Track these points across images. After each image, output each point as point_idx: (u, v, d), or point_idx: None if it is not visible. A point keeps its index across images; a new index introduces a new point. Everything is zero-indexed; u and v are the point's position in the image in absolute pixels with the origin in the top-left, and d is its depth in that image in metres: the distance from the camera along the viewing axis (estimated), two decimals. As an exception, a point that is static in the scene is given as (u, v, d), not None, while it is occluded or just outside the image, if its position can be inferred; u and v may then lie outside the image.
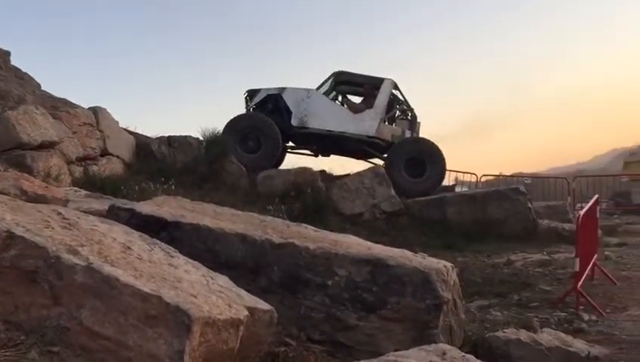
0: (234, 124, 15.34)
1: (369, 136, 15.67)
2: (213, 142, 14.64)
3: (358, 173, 14.73)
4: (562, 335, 5.56)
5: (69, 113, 12.04)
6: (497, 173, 23.77)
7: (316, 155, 16.89)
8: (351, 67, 17.46)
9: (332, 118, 15.64)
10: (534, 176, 24.59)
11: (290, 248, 4.98)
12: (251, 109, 16.15)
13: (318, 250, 4.96)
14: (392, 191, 14.32)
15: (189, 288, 3.60)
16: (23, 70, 12.92)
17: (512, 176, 24.12)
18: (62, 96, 13.08)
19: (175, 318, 3.17)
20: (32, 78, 12.92)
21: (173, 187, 11.60)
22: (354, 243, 5.44)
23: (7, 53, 12.72)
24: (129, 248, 4.00)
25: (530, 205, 13.91)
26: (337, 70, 16.48)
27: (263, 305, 4.01)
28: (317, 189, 13.94)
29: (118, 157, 13.24)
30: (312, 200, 13.27)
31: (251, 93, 16.28)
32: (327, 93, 16.29)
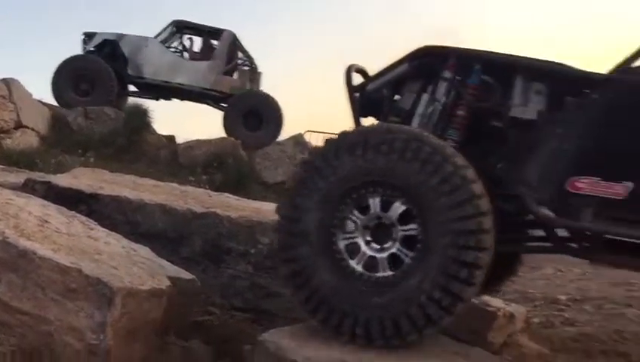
0: (66, 66, 14.66)
1: (205, 89, 15.52)
2: (132, 113, 14.35)
3: (279, 142, 14.70)
4: (479, 293, 5.74)
5: (-21, 86, 11.63)
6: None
7: (157, 99, 16.44)
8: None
9: (169, 68, 15.32)
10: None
11: (212, 217, 4.98)
12: (88, 52, 15.46)
13: (240, 219, 4.97)
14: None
15: (110, 260, 3.57)
16: None
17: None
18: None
19: (96, 290, 3.15)
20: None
21: (91, 160, 11.36)
22: (276, 212, 5.47)
23: None
24: (46, 221, 3.93)
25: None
26: (177, 19, 16.08)
27: (185, 274, 4.03)
28: (239, 159, 13.89)
29: (32, 129, 12.83)
30: (234, 169, 13.21)
31: (89, 36, 15.57)
32: (166, 42, 15.91)
